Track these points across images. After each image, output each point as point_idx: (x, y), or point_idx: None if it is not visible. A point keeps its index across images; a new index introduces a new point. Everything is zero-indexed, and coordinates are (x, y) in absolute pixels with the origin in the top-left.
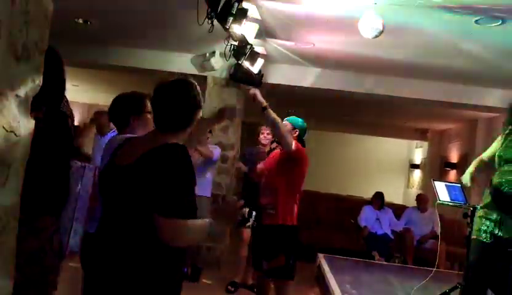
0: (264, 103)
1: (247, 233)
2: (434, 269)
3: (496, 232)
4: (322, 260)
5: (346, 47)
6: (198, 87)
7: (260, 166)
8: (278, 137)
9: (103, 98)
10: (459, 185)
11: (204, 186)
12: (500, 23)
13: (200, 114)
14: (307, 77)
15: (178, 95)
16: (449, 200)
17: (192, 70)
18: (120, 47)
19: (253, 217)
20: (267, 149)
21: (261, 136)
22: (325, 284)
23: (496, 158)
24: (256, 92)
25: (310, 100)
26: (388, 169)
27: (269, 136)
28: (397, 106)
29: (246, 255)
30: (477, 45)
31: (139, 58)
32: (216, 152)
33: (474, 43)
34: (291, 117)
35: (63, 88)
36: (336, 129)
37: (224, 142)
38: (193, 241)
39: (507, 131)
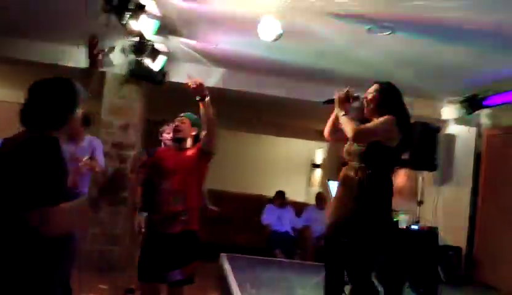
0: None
1: None
2: None
3: None
4: (224, 260)
5: (248, 48)
6: (77, 86)
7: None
8: (212, 134)
9: None
10: None
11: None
12: (389, 32)
13: (78, 114)
14: (211, 77)
15: (50, 94)
16: None
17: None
18: (12, 38)
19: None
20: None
21: (165, 135)
22: (225, 283)
23: None
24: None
25: (215, 100)
26: (291, 169)
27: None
28: (298, 108)
29: None
30: (369, 52)
31: (32, 50)
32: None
33: (366, 50)
34: (188, 113)
35: None
36: (241, 129)
37: (124, 142)
38: (75, 224)
39: None
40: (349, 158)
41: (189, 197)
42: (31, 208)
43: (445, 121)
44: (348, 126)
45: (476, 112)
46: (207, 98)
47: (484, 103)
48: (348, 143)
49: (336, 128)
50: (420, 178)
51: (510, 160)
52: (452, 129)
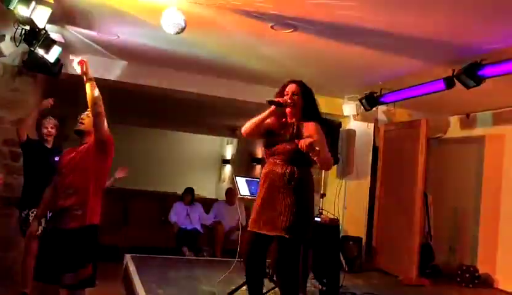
0: (91, 75)
1: (35, 244)
2: (236, 259)
3: None
4: (129, 261)
5: (151, 41)
6: None
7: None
8: (99, 119)
9: None
10: (257, 180)
11: None
12: (292, 30)
13: None
14: (113, 70)
15: None
16: (249, 194)
17: None
18: None
19: (43, 223)
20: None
21: (45, 131)
22: (130, 285)
23: None
24: (86, 62)
25: (119, 94)
26: (202, 165)
27: (53, 130)
28: (206, 103)
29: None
30: (273, 49)
31: None
32: None
33: (270, 47)
34: None
35: None
36: (147, 125)
37: (15, 139)
38: None
39: None
40: (275, 156)
41: (82, 191)
42: None
43: (345, 118)
44: (329, 158)
45: (373, 108)
46: (92, 80)
47: (380, 100)
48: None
49: (259, 129)
50: (323, 171)
51: (404, 153)
52: (352, 125)
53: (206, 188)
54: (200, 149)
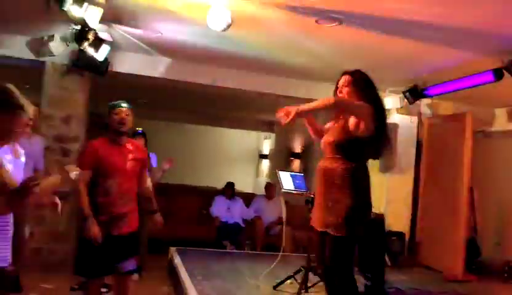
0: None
1: None
2: (280, 253)
3: None
4: (174, 254)
5: (195, 37)
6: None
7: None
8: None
9: None
10: (302, 174)
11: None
12: (337, 23)
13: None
14: (157, 67)
15: None
16: (293, 188)
17: (28, 54)
18: None
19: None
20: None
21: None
22: (176, 277)
23: None
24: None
25: (161, 91)
26: (239, 160)
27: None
28: (245, 99)
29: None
30: (317, 44)
31: None
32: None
33: (315, 41)
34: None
35: None
36: (190, 121)
37: (66, 134)
38: None
39: None
40: (327, 150)
41: (135, 199)
42: None
43: (388, 111)
44: (322, 101)
45: (417, 102)
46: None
47: (425, 93)
48: (326, 135)
49: (316, 128)
50: None
51: (448, 148)
52: (395, 118)
53: (244, 183)
54: (238, 144)
